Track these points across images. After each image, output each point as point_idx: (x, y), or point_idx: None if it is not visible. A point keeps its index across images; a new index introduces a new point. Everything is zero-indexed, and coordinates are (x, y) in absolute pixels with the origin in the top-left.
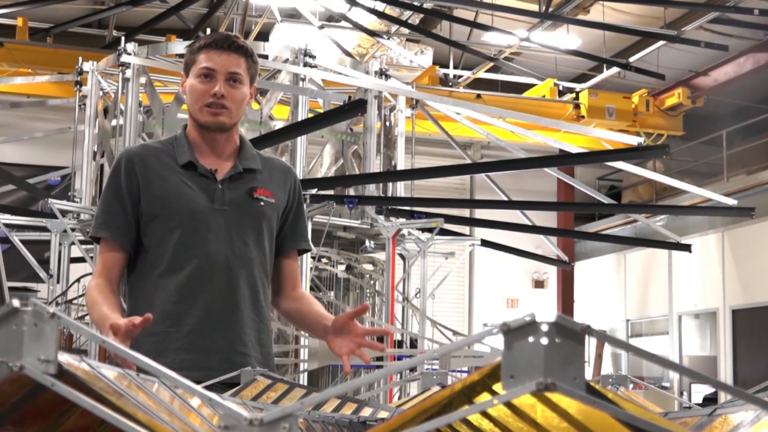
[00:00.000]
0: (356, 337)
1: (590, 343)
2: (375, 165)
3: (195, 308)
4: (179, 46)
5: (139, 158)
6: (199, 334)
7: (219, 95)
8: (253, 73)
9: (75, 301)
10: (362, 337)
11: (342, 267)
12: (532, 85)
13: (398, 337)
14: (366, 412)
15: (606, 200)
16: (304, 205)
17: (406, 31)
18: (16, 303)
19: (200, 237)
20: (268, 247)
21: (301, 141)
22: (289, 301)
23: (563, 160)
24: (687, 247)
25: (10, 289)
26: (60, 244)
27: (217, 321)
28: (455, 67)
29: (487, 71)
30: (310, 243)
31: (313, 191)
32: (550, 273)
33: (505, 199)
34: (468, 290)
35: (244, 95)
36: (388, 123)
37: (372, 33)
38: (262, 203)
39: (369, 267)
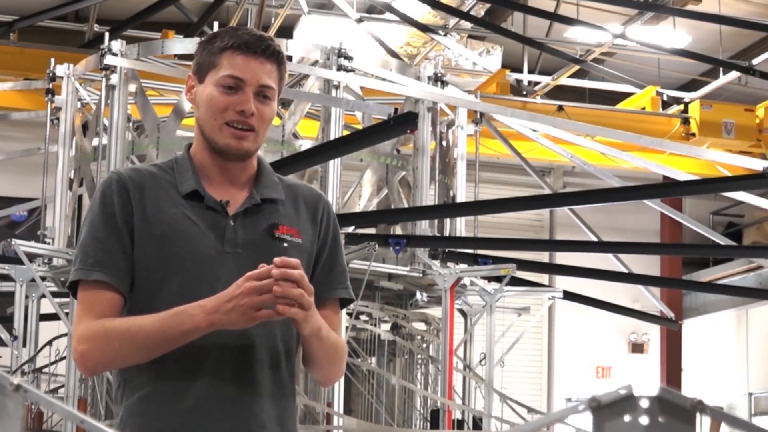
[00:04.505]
0: None
1: (703, 423)
2: (428, 196)
3: (199, 379)
4: (178, 44)
5: (133, 183)
6: (204, 412)
7: (248, 113)
8: (283, 85)
9: (46, 370)
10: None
11: (386, 326)
12: (628, 95)
13: (458, 415)
14: None
15: (723, 241)
16: (342, 242)
17: (468, 25)
18: None
19: (206, 288)
20: None
21: (334, 166)
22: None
23: (668, 189)
24: None
25: None
26: (27, 296)
27: (227, 395)
28: (530, 72)
29: (571, 77)
30: (351, 291)
31: (350, 230)
32: (652, 334)
33: (594, 239)
34: (547, 356)
35: (273, 114)
36: (444, 142)
37: (425, 28)
38: (285, 244)
39: (421, 326)
